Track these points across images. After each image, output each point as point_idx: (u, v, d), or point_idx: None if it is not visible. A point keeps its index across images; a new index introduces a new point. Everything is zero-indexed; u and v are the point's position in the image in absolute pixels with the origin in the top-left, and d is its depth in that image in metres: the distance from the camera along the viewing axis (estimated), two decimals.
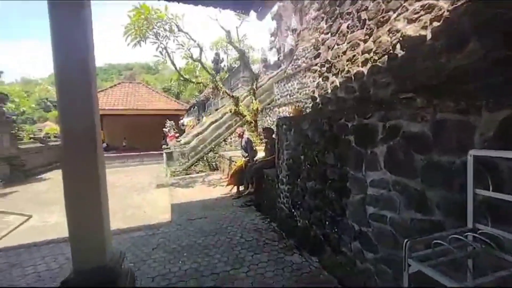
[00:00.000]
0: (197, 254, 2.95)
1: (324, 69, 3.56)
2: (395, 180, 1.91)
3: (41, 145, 12.02)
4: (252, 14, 3.71)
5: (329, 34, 3.48)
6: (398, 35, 2.35)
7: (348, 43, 3.09)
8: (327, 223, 2.82)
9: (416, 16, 2.16)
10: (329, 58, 3.45)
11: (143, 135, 15.94)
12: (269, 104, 9.80)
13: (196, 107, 25.05)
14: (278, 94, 9.36)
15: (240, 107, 6.91)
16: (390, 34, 2.45)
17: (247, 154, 5.54)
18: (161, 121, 11.88)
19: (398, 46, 2.38)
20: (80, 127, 1.86)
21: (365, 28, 2.81)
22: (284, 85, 8.78)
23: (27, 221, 4.94)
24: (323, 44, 3.62)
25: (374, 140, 2.09)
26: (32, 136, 12.25)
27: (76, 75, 1.92)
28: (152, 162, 12.98)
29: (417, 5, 2.13)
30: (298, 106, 6.32)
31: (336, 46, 3.33)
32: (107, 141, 15.59)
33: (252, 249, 3.05)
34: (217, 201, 5.32)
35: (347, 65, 3.09)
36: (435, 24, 1.97)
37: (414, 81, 2.19)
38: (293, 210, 3.68)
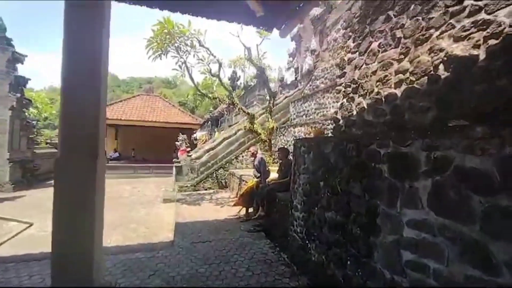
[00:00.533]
0: (198, 287, 2.61)
1: (350, 89, 3.32)
2: (443, 223, 1.56)
3: (56, 150, 12.18)
4: (275, 31, 3.61)
5: (357, 53, 3.27)
6: (442, 54, 2.09)
7: (379, 62, 2.85)
8: (348, 263, 2.43)
9: (465, 33, 1.90)
10: (355, 78, 3.22)
11: (156, 146, 16.02)
12: (283, 123, 9.59)
13: (209, 122, 25.30)
14: (294, 114, 9.16)
15: (255, 125, 6.73)
16: (432, 54, 2.19)
17: (259, 175, 5.24)
18: (175, 134, 11.90)
19: (441, 66, 2.11)
20: (82, 133, 1.64)
21: (399, 47, 2.57)
22: (301, 105, 8.59)
23: (27, 229, 4.77)
24: (349, 63, 3.41)
25: (415, 173, 1.77)
26: (48, 141, 12.49)
27: (84, 79, 1.74)
28: (163, 174, 12.86)
29: (467, 21, 1.88)
30: (317, 127, 6.05)
31: (364, 66, 3.10)
32: (120, 150, 15.73)
33: (259, 286, 2.67)
34: (224, 223, 4.98)
35: (377, 86, 2.83)
36: (492, 42, 1.70)
37: (463, 107, 1.88)
38: (307, 242, 3.29)
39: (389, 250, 1.96)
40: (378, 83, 2.82)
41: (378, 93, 2.81)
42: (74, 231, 1.66)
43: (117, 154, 14.87)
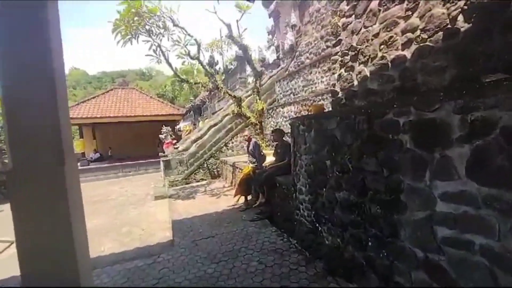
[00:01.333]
0: None
1: (348, 57, 3.03)
2: (489, 194, 1.37)
3: None
4: (256, 3, 3.20)
5: (353, 16, 2.96)
6: (461, 3, 1.83)
7: (380, 23, 2.56)
8: (370, 244, 2.27)
9: None
10: (354, 44, 2.93)
11: (139, 142, 15.29)
12: (270, 104, 9.26)
13: (191, 111, 24.50)
14: (280, 94, 8.83)
15: (243, 108, 6.37)
16: (447, 4, 1.93)
17: (255, 160, 4.98)
18: (156, 128, 11.28)
19: (460, 18, 1.86)
20: (39, 138, 1.25)
21: (405, 2, 2.29)
22: (287, 83, 8.26)
23: (8, 248, 4.31)
24: (344, 29, 3.10)
25: (446, 140, 1.56)
26: None
27: (31, 77, 1.30)
28: (149, 171, 12.35)
29: None
30: (308, 104, 5.78)
31: (363, 29, 2.80)
32: (100, 150, 14.88)
33: (276, 279, 2.48)
34: (224, 215, 4.73)
35: (380, 50, 2.56)
36: None
37: (490, 60, 1.66)
38: (317, 225, 3.12)
39: (419, 228, 1.78)
40: (381, 47, 2.55)
41: (382, 57, 2.54)
42: (50, 252, 1.30)
43: (98, 155, 14.05)
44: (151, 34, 5.81)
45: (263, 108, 6.35)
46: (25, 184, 1.23)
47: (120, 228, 5.13)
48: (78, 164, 13.20)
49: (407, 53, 2.28)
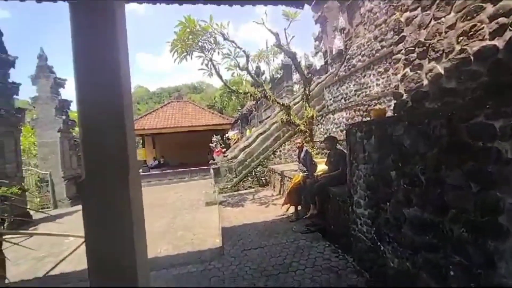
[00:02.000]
0: None
1: (414, 55, 2.68)
2: None
3: None
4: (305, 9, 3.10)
5: (419, 9, 2.62)
6: None
7: (457, 12, 2.20)
8: (452, 273, 1.88)
9: None
10: (422, 40, 2.58)
11: (192, 150, 16.33)
12: (319, 111, 8.92)
13: (239, 120, 25.31)
14: (330, 100, 8.45)
15: (292, 116, 6.24)
16: None
17: (305, 169, 4.76)
18: (207, 137, 11.91)
19: None
20: (108, 149, 1.34)
21: None
22: (337, 88, 7.86)
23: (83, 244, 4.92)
24: (408, 24, 2.76)
25: None
26: None
27: (102, 90, 1.42)
28: (202, 178, 13.03)
29: None
30: (361, 109, 5.36)
31: (433, 22, 2.45)
32: (159, 158, 16.33)
33: None
34: (273, 225, 4.61)
35: (458, 43, 2.19)
36: None
37: None
38: (379, 243, 2.77)
39: None
40: (460, 39, 2.17)
41: (461, 51, 2.16)
42: (113, 252, 1.37)
43: (156, 162, 15.45)
44: (204, 50, 6.18)
45: (313, 115, 6.13)
46: (95, 192, 1.33)
47: (175, 232, 5.43)
48: (140, 170, 14.75)
49: (499, 43, 1.88)
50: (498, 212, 1.53)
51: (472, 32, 2.07)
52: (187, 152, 16.36)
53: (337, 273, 2.73)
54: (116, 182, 1.36)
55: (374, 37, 6.55)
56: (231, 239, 4.14)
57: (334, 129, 7.37)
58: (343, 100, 7.54)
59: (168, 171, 13.54)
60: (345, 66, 8.21)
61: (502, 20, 1.86)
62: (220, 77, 6.31)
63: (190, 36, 5.98)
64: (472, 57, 2.08)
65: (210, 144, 10.06)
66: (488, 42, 1.96)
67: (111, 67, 1.44)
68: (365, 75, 6.43)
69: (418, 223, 2.18)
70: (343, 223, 3.58)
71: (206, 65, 6.23)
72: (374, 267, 2.80)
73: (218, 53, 6.44)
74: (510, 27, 1.82)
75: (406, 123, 2.26)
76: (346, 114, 6.67)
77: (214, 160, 9.74)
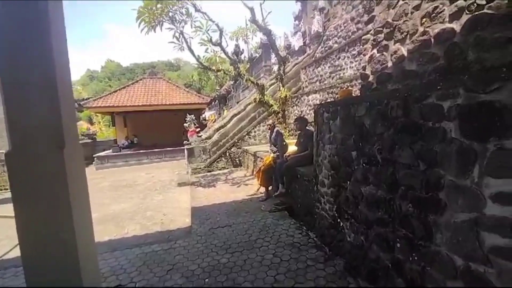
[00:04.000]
0: (222, 281, 2.31)
1: (382, 35, 2.68)
2: None
3: (89, 141, 14.68)
4: None
5: None
6: None
7: None
8: (398, 245, 2.02)
9: None
10: (389, 20, 2.57)
11: (166, 130, 15.79)
12: (295, 93, 8.91)
13: (217, 101, 24.73)
14: (305, 81, 8.44)
15: (266, 96, 6.16)
16: None
17: (276, 149, 4.79)
18: (183, 116, 11.51)
19: None
20: (38, 121, 1.20)
21: None
22: (313, 70, 7.84)
23: None
24: (379, 3, 2.73)
25: (506, 128, 1.25)
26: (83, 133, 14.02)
27: (30, 61, 1.25)
28: (176, 158, 12.74)
29: None
30: (334, 91, 5.40)
31: (401, 2, 2.44)
32: (131, 137, 15.64)
33: (291, 275, 2.34)
34: (243, 204, 4.67)
35: (422, 24, 2.20)
36: None
37: None
38: (339, 220, 2.90)
39: (460, 232, 1.51)
40: (423, 20, 2.18)
41: (424, 33, 2.18)
42: (46, 232, 1.27)
43: (128, 142, 14.79)
44: (174, 21, 5.76)
45: (286, 96, 6.08)
46: (22, 165, 1.19)
47: (145, 212, 5.32)
48: (110, 150, 14.04)
49: (456, 26, 1.91)
50: (439, 188, 1.62)
51: (434, 14, 2.09)
52: (161, 132, 15.80)
53: (298, 248, 2.84)
54: (48, 155, 1.22)
55: (351, 18, 6.51)
56: (200, 218, 4.14)
57: (308, 111, 7.43)
58: (318, 82, 7.57)
59: (140, 151, 13.04)
60: (322, 47, 8.16)
61: (460, 2, 1.88)
62: (192, 52, 5.97)
63: (159, 5, 5.51)
64: (432, 40, 2.11)
65: (184, 124, 9.75)
66: (447, 25, 1.99)
67: (38, 30, 1.25)
68: (339, 57, 6.44)
69: (372, 200, 2.29)
70: (308, 201, 3.70)
71: (177, 38, 5.84)
72: (334, 242, 2.95)
73: (191, 25, 6.05)
74: (467, 11, 1.85)
75: (367, 103, 2.29)
76: (320, 96, 6.72)
77: (188, 140, 9.50)
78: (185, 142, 9.59)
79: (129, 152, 13.07)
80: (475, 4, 1.78)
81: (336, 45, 7.06)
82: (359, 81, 5.34)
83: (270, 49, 15.13)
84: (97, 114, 23.38)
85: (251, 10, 5.57)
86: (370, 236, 2.34)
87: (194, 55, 5.99)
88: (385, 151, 2.10)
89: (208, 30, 5.70)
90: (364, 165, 2.39)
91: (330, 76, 6.89)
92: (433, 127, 1.65)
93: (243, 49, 23.26)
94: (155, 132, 15.99)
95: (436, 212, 1.66)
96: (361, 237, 2.48)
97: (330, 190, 3.05)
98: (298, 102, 8.20)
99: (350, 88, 4.88)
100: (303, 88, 8.67)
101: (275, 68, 15.12)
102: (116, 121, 15.51)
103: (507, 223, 1.28)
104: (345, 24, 6.79)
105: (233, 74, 6.29)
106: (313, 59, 8.24)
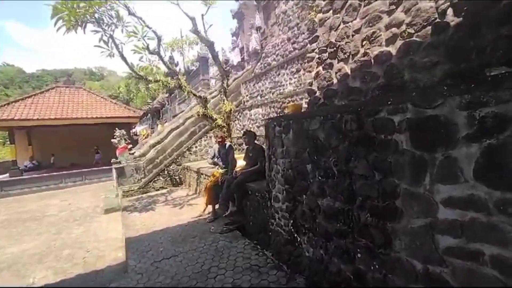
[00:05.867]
0: None
1: (326, 54, 2.87)
2: (504, 198, 1.22)
3: None
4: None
5: (331, 11, 2.81)
6: None
7: (362, 18, 2.43)
8: (359, 255, 2.06)
9: None
10: (333, 41, 2.77)
11: (87, 148, 13.56)
12: (236, 107, 8.93)
13: (149, 114, 22.91)
14: (246, 96, 8.57)
15: (209, 110, 5.91)
16: None
17: (223, 165, 4.55)
18: (108, 131, 10.06)
19: (449, 11, 1.78)
20: None
21: None
22: (254, 85, 8.03)
23: None
24: (321, 25, 2.94)
25: (451, 139, 1.40)
26: None
27: None
28: (101, 180, 10.97)
29: None
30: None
31: (342, 25, 2.66)
32: (38, 158, 12.83)
33: None
34: (190, 227, 4.21)
35: (362, 46, 2.43)
36: None
37: (484, 54, 1.58)
38: (295, 235, 2.86)
39: (418, 237, 1.61)
40: (364, 43, 2.42)
41: (365, 54, 2.41)
42: None
43: (33, 164, 12.06)
44: (102, 24, 5.03)
45: (231, 110, 5.98)
46: None
47: (60, 251, 4.26)
48: (6, 174, 11.14)
49: (392, 49, 2.16)
50: (395, 196, 1.72)
51: (373, 38, 2.33)
52: (81, 150, 13.49)
53: (258, 271, 2.66)
54: None
55: (288, 39, 6.99)
56: (138, 250, 3.51)
57: (250, 125, 7.49)
58: (259, 97, 7.77)
59: (52, 174, 10.72)
60: (261, 63, 8.48)
61: (394, 30, 2.14)
62: (124, 59, 5.28)
63: (82, 4, 4.74)
64: (372, 60, 2.34)
65: (113, 140, 8.52)
66: (385, 48, 2.23)
67: None
68: (279, 74, 6.78)
69: (330, 213, 2.31)
70: (261, 218, 3.58)
71: (105, 42, 5.09)
72: (291, 259, 2.87)
73: (122, 30, 5.39)
74: (400, 37, 2.11)
75: (321, 117, 2.36)
76: (262, 110, 6.88)
77: (117, 158, 8.31)
78: (113, 160, 8.35)
79: (35, 176, 10.61)
80: (406, 32, 2.05)
81: (274, 62, 7.43)
82: (300, 96, 5.69)
83: (207, 63, 15.02)
84: None
85: (193, 20, 5.35)
86: (330, 249, 2.35)
87: (127, 62, 5.32)
88: (341, 163, 2.17)
89: (145, 36, 5.18)
90: (320, 178, 2.42)
91: (270, 91, 7.16)
92: (386, 139, 1.77)
93: (177, 62, 22.45)
94: (73, 150, 13.56)
95: (394, 219, 1.74)
96: (320, 250, 2.47)
97: (285, 205, 3.00)
98: (240, 116, 8.21)
99: (298, 102, 5.10)
100: (244, 102, 8.77)
101: (213, 82, 15.05)
102: (16, 138, 12.46)
103: (457, 225, 1.41)
104: (282, 44, 7.25)
105: (172, 85, 5.84)
106: (253, 74, 8.48)
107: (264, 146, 4.47)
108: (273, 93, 7.06)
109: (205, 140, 8.44)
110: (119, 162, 8.13)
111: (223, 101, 5.98)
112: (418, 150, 1.57)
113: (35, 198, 8.99)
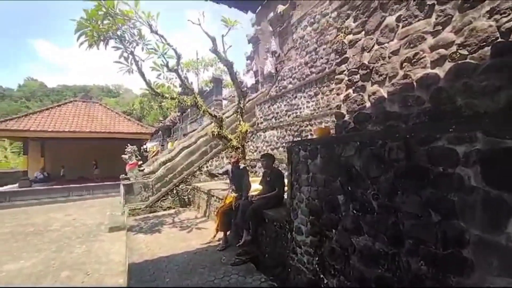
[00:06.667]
0: None
1: (357, 76, 2.69)
2: None
3: None
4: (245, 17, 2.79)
5: (362, 32, 2.67)
6: None
7: (400, 39, 2.27)
8: None
9: None
10: (365, 62, 2.60)
11: (101, 162, 13.56)
12: (250, 128, 8.81)
13: (160, 132, 23.17)
14: (261, 117, 8.46)
15: (224, 130, 5.77)
16: (496, 16, 1.64)
17: (235, 188, 4.27)
18: (121, 146, 10.04)
19: None
20: None
21: (433, 16, 2.00)
22: (269, 107, 7.94)
23: None
24: (352, 46, 2.79)
25: None
26: None
27: None
28: (108, 195, 10.77)
29: None
30: (293, 129, 5.38)
31: (376, 46, 2.50)
32: (49, 169, 12.86)
33: None
34: (198, 256, 3.85)
35: (402, 68, 2.23)
36: None
37: None
38: (322, 276, 2.50)
39: None
40: (404, 64, 2.23)
41: (405, 76, 2.21)
42: None
43: (43, 175, 12.06)
44: (123, 41, 5.11)
45: (247, 131, 5.82)
46: None
47: (58, 273, 3.94)
48: (16, 184, 11.11)
49: (440, 72, 1.95)
50: (463, 244, 1.41)
51: (415, 60, 2.13)
52: (90, 164, 13.48)
53: None
54: None
55: (305, 63, 6.96)
56: (141, 280, 3.18)
57: (264, 147, 7.29)
58: (274, 119, 7.63)
59: (59, 186, 10.61)
60: (276, 86, 8.45)
61: (442, 51, 1.94)
62: (143, 75, 5.30)
63: (107, 21, 4.85)
64: (415, 83, 2.12)
65: (123, 156, 8.43)
66: (430, 70, 2.02)
67: None
68: (296, 97, 6.67)
69: (369, 254, 1.98)
70: (279, 251, 3.23)
71: (125, 58, 5.14)
72: None
73: (143, 48, 5.46)
74: (449, 59, 1.90)
75: (357, 143, 2.11)
76: (278, 132, 6.70)
77: (126, 174, 8.15)
78: (122, 176, 8.19)
79: (43, 187, 10.53)
80: (457, 53, 1.85)
81: (291, 85, 7.37)
82: (318, 120, 5.50)
83: (221, 84, 15.29)
84: (3, 138, 18.98)
85: (213, 40, 5.40)
86: None
87: (145, 79, 5.33)
88: (383, 197, 1.88)
89: (165, 53, 5.22)
90: (355, 211, 2.12)
91: (286, 114, 7.02)
92: (446, 172, 1.50)
93: (191, 82, 23.04)
94: (82, 163, 13.57)
95: (461, 273, 1.42)
96: None
97: (309, 238, 2.67)
98: (254, 137, 8.05)
99: (325, 126, 4.87)
100: (258, 124, 8.65)
101: (225, 102, 15.19)
102: (30, 149, 12.62)
103: None
104: (299, 67, 7.22)
105: (188, 103, 5.79)
106: (268, 96, 8.42)
107: (282, 171, 4.21)
108: (289, 116, 6.91)
109: (216, 161, 8.23)
110: (128, 179, 7.95)
111: (239, 121, 5.84)
112: (494, 189, 1.29)
113: (41, 210, 8.80)
